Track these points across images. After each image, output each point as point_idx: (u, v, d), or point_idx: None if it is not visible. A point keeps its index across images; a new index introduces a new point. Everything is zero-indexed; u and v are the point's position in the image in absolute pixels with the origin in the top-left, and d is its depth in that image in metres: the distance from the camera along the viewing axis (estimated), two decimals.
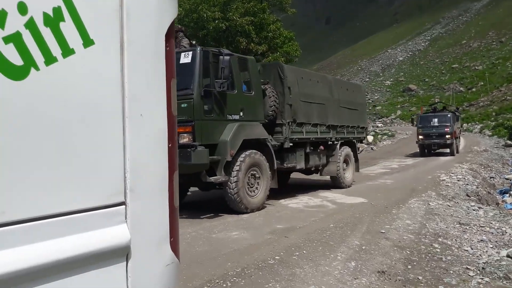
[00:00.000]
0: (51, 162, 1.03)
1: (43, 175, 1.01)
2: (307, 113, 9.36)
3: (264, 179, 7.97)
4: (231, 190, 7.32)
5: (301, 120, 9.07)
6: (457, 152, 22.97)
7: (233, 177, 7.25)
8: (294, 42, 23.35)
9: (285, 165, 8.83)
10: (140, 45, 1.23)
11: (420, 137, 22.57)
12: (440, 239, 6.07)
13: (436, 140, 21.90)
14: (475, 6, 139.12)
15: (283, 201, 9.04)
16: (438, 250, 5.60)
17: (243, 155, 7.39)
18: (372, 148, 28.70)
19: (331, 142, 10.52)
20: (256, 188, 7.83)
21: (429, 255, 5.39)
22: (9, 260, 0.92)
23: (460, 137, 25.13)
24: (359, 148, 12.78)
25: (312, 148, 9.85)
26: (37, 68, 0.99)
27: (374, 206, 8.31)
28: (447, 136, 21.57)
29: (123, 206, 1.18)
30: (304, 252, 5.35)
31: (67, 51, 1.06)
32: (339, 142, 10.77)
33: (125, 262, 1.18)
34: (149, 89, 1.26)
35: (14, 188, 0.95)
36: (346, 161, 11.14)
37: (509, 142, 27.44)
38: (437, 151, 22.86)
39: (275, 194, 10.13)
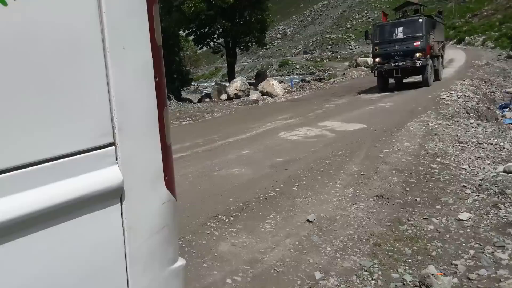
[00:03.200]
0: (32, 105, 0.97)
1: (25, 120, 0.96)
2: None
3: None
4: None
5: None
6: (438, 79, 16.40)
7: None
8: None
9: None
10: None
11: (377, 59, 15.40)
12: (439, 159, 6.14)
13: (399, 63, 14.73)
14: None
15: (282, 134, 9.08)
16: (436, 170, 5.68)
17: None
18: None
19: None
20: None
21: (427, 176, 5.48)
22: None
23: (443, 55, 18.93)
24: None
25: None
26: (4, 3, 0.91)
27: (373, 131, 8.33)
28: (416, 55, 14.46)
29: (113, 147, 1.14)
30: (304, 182, 5.46)
31: None
32: None
33: (119, 204, 1.17)
34: (130, 17, 1.16)
35: None
36: None
37: (511, 53, 26.85)
38: (405, 80, 16.37)
39: (274, 128, 10.18)
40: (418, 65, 14.45)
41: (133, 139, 1.19)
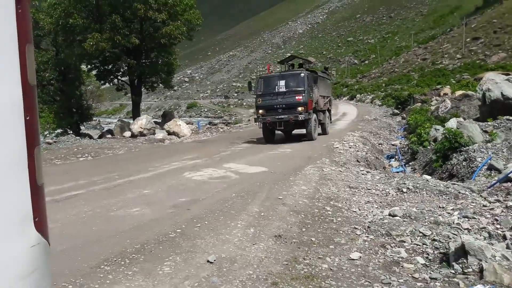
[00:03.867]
0: None
1: None
2: None
3: None
4: None
5: None
6: (325, 132, 17.01)
7: None
8: (195, 10, 22.83)
9: None
10: None
11: (260, 111, 14.91)
12: (332, 202, 6.55)
13: (282, 116, 14.40)
14: None
15: (187, 174, 9.00)
16: (330, 212, 6.04)
17: None
18: None
19: None
20: None
21: (322, 217, 5.80)
22: None
23: (330, 110, 19.25)
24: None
25: None
26: None
27: (273, 174, 8.66)
28: (299, 109, 14.20)
29: None
30: (206, 223, 5.41)
31: None
32: None
33: None
34: None
35: None
36: None
37: (396, 111, 30.24)
38: (295, 132, 16.43)
39: (179, 168, 10.06)
40: (300, 119, 14.26)
41: None
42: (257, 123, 15.44)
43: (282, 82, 14.67)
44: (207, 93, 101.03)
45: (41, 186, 1.29)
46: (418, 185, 7.59)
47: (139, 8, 19.55)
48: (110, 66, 24.24)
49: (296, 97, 14.30)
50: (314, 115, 15.15)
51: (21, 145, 1.20)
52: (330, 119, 19.33)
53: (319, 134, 16.21)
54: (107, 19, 20.37)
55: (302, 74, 14.71)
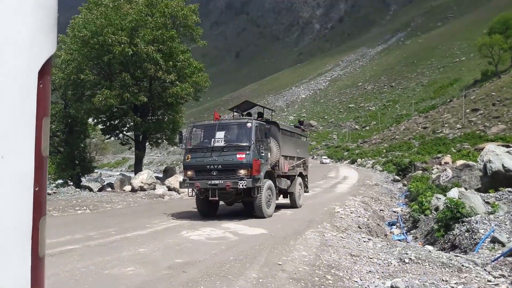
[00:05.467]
0: None
1: None
2: None
3: None
4: None
5: None
6: (294, 205, 13.15)
7: None
8: (203, 73, 23.63)
9: None
10: (4, 81, 1.14)
11: (189, 172, 10.90)
12: (333, 271, 6.37)
13: (216, 181, 10.35)
14: (370, 52, 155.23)
15: (184, 233, 8.84)
16: (331, 281, 5.86)
17: None
18: None
19: None
20: None
21: (322, 286, 5.61)
22: None
23: (305, 175, 14.53)
24: None
25: None
26: None
27: (273, 237, 8.49)
28: (241, 172, 10.25)
29: None
30: (202, 287, 5.24)
31: None
32: None
33: None
34: (14, 128, 1.16)
35: None
36: None
37: (397, 177, 30.25)
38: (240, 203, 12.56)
39: (177, 226, 9.92)
40: (240, 186, 10.11)
41: None
42: (181, 188, 11.71)
43: (220, 134, 10.64)
44: None
45: (42, 258, 1.27)
46: (420, 256, 7.42)
47: (149, 68, 20.27)
48: (116, 121, 24.67)
49: (237, 155, 10.32)
50: (269, 182, 11.12)
51: (27, 216, 1.19)
52: (307, 188, 14.82)
53: (286, 207, 12.96)
54: (117, 76, 21.05)
55: (249, 124, 10.57)
